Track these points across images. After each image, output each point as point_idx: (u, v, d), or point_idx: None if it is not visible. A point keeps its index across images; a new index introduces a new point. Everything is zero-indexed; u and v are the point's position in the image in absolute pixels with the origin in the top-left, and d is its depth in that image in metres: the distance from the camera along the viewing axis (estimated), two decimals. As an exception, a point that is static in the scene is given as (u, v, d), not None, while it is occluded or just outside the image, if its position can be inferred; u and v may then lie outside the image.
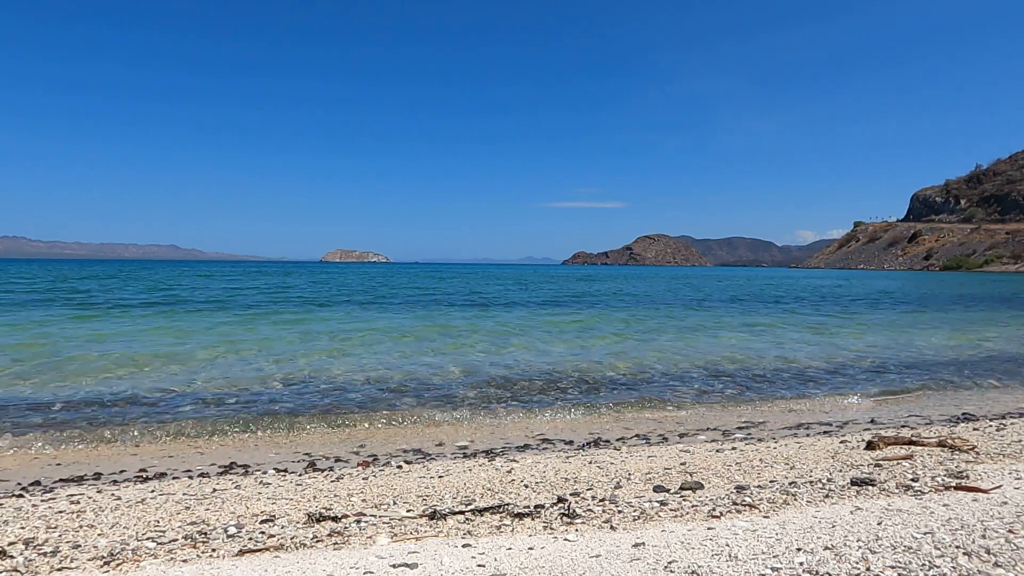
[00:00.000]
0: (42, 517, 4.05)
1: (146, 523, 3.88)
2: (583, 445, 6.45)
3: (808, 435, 6.64)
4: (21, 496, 4.73)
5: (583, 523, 3.59)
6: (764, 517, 3.55)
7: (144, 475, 5.53)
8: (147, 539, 3.54)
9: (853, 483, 4.22)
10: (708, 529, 3.36)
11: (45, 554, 3.31)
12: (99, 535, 3.65)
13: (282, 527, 3.69)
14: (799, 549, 2.95)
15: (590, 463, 5.33)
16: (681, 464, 5.18)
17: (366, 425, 7.38)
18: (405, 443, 6.67)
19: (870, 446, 5.42)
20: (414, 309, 23.26)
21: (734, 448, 5.85)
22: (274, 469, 5.64)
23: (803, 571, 2.70)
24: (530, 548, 3.19)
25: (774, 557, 2.87)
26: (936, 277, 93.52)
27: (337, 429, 7.21)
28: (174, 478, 5.36)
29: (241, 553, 3.25)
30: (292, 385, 9.32)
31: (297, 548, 3.31)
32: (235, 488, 4.81)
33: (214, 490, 4.74)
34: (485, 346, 13.56)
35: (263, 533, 3.58)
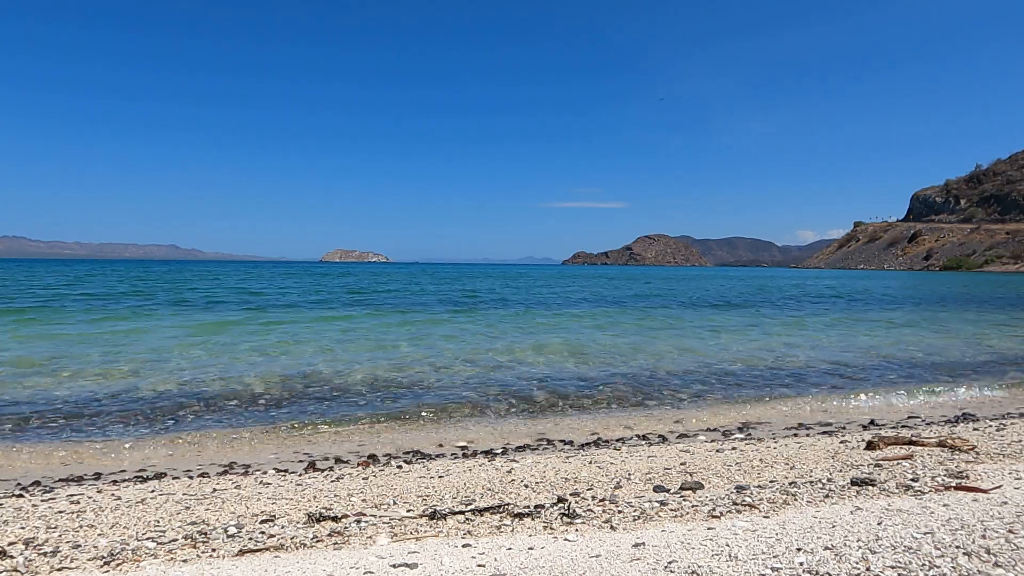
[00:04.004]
0: (42, 517, 4.05)
1: (146, 523, 3.88)
2: (583, 445, 6.45)
3: (808, 435, 6.64)
4: (21, 496, 4.73)
5: (583, 523, 3.59)
6: (764, 517, 3.55)
7: (144, 475, 5.53)
8: (147, 539, 3.54)
9: (853, 483, 4.22)
10: (708, 529, 3.36)
11: (45, 554, 3.31)
12: (99, 535, 3.65)
13: (282, 527, 3.69)
14: (799, 549, 2.95)
15: (590, 463, 5.33)
16: (681, 464, 5.18)
17: (367, 425, 7.38)
18: (405, 443, 6.67)
19: (870, 446, 5.42)
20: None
21: (734, 448, 5.85)
22: (274, 469, 5.64)
23: (803, 571, 2.69)
24: (530, 548, 3.19)
25: (774, 557, 2.86)
26: (939, 277, 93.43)
27: (338, 429, 7.20)
28: (174, 478, 5.36)
29: (241, 553, 3.25)
30: (291, 385, 9.32)
31: (297, 548, 3.31)
32: (235, 488, 4.81)
33: (214, 490, 4.74)
34: (484, 346, 13.57)
35: (263, 533, 3.58)
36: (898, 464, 4.77)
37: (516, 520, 3.68)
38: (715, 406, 8.47)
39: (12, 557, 3.26)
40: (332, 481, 4.98)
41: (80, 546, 3.44)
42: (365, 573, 2.91)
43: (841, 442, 5.89)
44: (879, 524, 3.28)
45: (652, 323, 19.26)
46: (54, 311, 20.05)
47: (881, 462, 4.87)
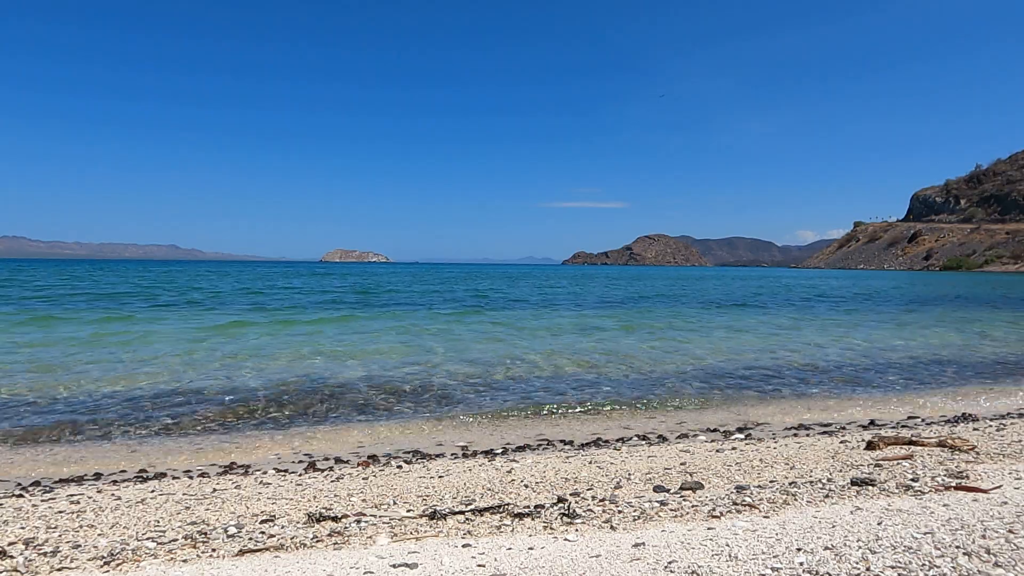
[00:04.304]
0: (42, 517, 4.05)
1: (146, 523, 3.88)
2: (583, 445, 6.45)
3: (808, 435, 6.64)
4: (21, 496, 4.73)
5: (583, 523, 3.59)
6: (764, 517, 3.55)
7: (144, 475, 5.53)
8: (147, 539, 3.54)
9: (853, 483, 4.21)
10: (708, 529, 3.36)
11: (45, 554, 3.31)
12: (99, 535, 3.65)
13: (282, 527, 3.69)
14: (799, 549, 2.95)
15: (590, 463, 5.33)
16: (681, 464, 5.18)
17: (366, 425, 7.38)
18: (405, 443, 6.67)
19: (870, 446, 5.42)
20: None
21: (734, 448, 5.85)
22: (274, 469, 5.64)
23: (803, 571, 2.69)
24: (530, 548, 3.19)
25: (774, 557, 2.86)
26: (941, 277, 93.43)
27: (338, 429, 7.20)
28: (174, 478, 5.36)
29: (241, 553, 3.25)
30: (291, 385, 9.32)
31: (297, 548, 3.31)
32: (235, 488, 4.81)
33: (214, 490, 4.74)
34: (486, 345, 13.57)
35: (263, 533, 3.58)
36: (898, 464, 4.77)
37: (516, 520, 3.68)
38: (715, 406, 8.48)
39: (12, 557, 3.26)
40: (332, 481, 4.98)
41: (80, 546, 3.44)
42: (365, 573, 2.91)
43: (841, 442, 5.89)
44: (879, 524, 3.28)
45: (658, 323, 19.26)
46: (58, 313, 20.06)
47: (881, 462, 4.87)
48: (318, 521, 3.76)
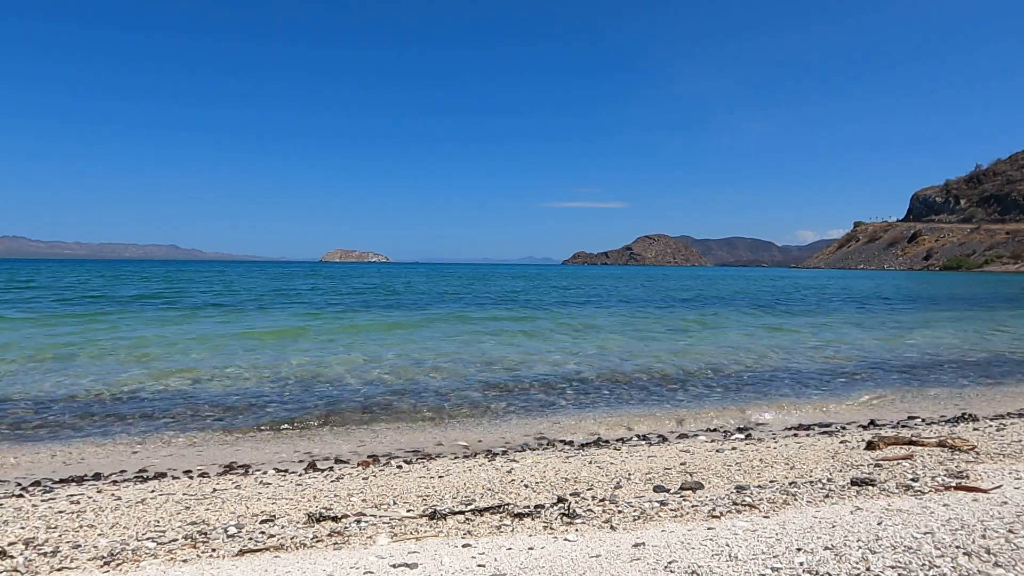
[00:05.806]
0: (42, 517, 4.05)
1: (146, 523, 3.88)
2: (583, 445, 6.45)
3: (808, 435, 6.64)
4: (21, 496, 4.73)
5: (583, 523, 3.59)
6: (764, 517, 3.55)
7: (144, 475, 5.53)
8: (147, 539, 3.54)
9: (853, 483, 4.22)
10: (708, 529, 3.36)
11: (45, 554, 3.31)
12: (99, 535, 3.65)
13: (282, 527, 3.69)
14: (799, 549, 2.95)
15: (590, 463, 5.33)
16: (681, 464, 5.18)
17: (366, 425, 7.38)
18: (405, 443, 6.67)
19: (870, 446, 5.42)
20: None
21: (734, 448, 5.85)
22: (274, 469, 5.64)
23: (803, 571, 2.69)
24: (530, 548, 3.19)
25: (774, 557, 2.86)
26: (943, 277, 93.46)
27: (338, 429, 7.20)
28: (174, 478, 5.36)
29: (241, 553, 3.25)
30: (292, 385, 9.32)
31: (297, 548, 3.31)
32: (235, 488, 4.81)
33: (214, 490, 4.74)
34: (491, 344, 13.57)
35: (263, 533, 3.58)
36: (898, 464, 4.77)
37: (516, 520, 3.68)
38: (715, 406, 8.47)
39: (12, 557, 3.26)
40: (332, 481, 4.98)
41: (80, 546, 3.44)
42: (365, 573, 2.91)
43: (841, 442, 5.89)
44: (879, 524, 3.28)
45: (657, 323, 19.27)
46: (58, 314, 20.07)
47: (881, 462, 4.87)
48: (318, 521, 3.76)
